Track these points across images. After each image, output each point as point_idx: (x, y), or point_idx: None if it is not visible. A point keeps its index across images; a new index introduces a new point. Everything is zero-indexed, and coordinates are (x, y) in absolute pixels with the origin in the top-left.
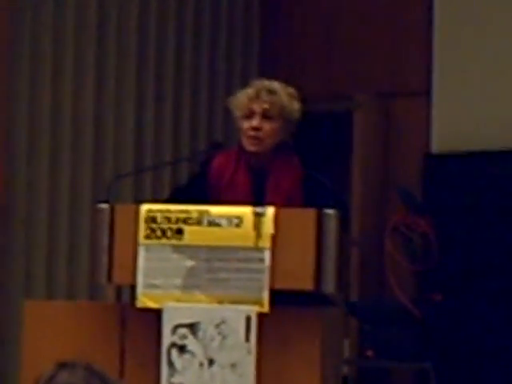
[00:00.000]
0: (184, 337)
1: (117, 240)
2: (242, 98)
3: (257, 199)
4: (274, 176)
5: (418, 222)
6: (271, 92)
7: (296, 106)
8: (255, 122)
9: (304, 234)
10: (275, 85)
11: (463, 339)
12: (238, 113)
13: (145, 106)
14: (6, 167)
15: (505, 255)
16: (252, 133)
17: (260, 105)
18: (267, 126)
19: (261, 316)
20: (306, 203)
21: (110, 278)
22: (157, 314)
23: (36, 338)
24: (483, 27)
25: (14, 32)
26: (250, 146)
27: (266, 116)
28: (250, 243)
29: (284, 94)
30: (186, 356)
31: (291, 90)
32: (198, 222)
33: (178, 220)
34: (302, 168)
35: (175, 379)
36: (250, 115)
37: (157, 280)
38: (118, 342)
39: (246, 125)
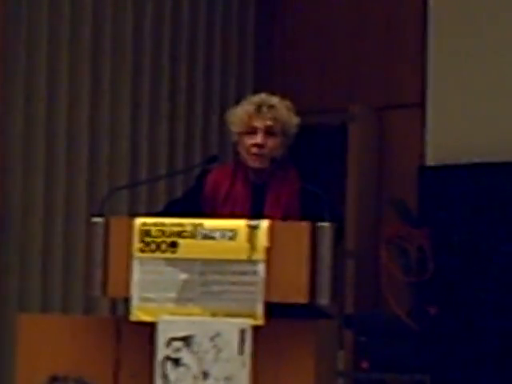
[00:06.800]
0: (178, 350)
1: (111, 253)
2: (241, 114)
3: (256, 213)
4: (274, 190)
5: (413, 234)
6: (272, 107)
7: (295, 120)
8: (259, 140)
9: (298, 247)
10: (274, 100)
11: (459, 351)
12: (237, 128)
13: (140, 120)
14: (1, 181)
15: (501, 266)
16: (256, 150)
17: (263, 121)
18: (270, 143)
19: (255, 329)
20: (303, 216)
21: (104, 291)
22: (151, 327)
23: (31, 352)
24: (477, 39)
25: (8, 42)
26: (254, 163)
27: (268, 132)
28: (244, 256)
29: (283, 108)
30: (181, 369)
31: (288, 103)
32: (192, 236)
33: (172, 233)
34: (299, 181)
35: None
36: (252, 131)
37: (151, 293)
38: (113, 356)
39: (248, 141)
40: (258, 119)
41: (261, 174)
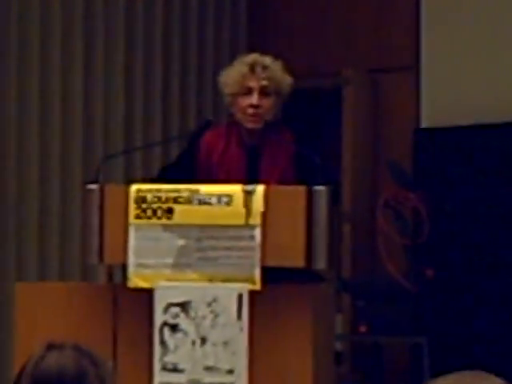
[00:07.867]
0: (176, 316)
1: (107, 220)
2: (235, 75)
3: (251, 176)
4: (269, 152)
5: (409, 197)
6: (265, 67)
7: (288, 79)
8: (255, 100)
9: (294, 211)
10: (267, 60)
11: (456, 313)
12: (230, 90)
13: (134, 85)
14: None
15: (496, 228)
16: (252, 110)
17: (258, 81)
18: (266, 103)
19: (252, 293)
20: (298, 180)
21: (101, 258)
22: (148, 293)
23: (28, 319)
24: (472, 0)
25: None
26: (249, 124)
27: (263, 92)
28: (241, 221)
29: (277, 68)
30: (179, 335)
31: (281, 63)
32: (188, 201)
33: (168, 199)
34: (294, 145)
35: (168, 358)
36: (246, 92)
37: (148, 260)
38: (111, 323)
39: (244, 102)
40: (252, 79)
41: (255, 134)
